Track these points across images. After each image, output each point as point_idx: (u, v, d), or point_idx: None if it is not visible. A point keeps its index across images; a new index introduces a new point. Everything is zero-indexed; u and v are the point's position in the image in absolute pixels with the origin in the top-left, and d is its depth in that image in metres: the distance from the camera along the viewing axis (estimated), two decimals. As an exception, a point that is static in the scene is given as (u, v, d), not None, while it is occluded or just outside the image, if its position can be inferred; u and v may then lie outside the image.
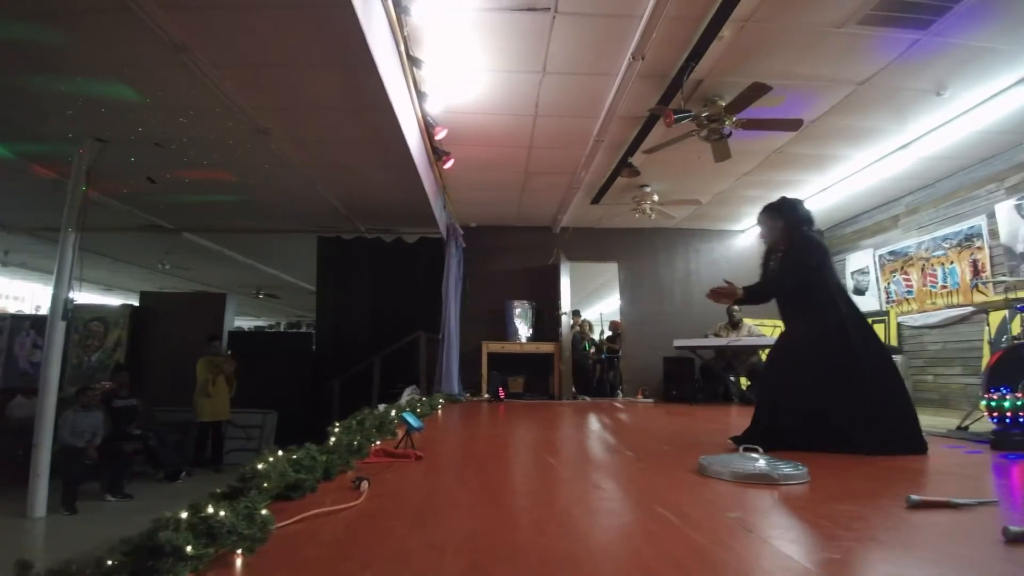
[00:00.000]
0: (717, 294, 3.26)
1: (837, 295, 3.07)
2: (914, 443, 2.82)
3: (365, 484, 1.93)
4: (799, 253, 3.10)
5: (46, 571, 1.04)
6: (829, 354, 2.94)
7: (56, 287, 4.74)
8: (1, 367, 8.39)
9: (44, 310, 11.79)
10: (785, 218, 3.22)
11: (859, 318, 3.10)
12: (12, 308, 12.74)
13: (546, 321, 7.84)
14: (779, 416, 3.00)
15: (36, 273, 11.64)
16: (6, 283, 12.95)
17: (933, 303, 6.41)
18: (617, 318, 9.07)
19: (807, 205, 3.35)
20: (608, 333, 9.62)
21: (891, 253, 7.07)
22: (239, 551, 1.25)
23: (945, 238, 6.20)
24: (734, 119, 4.34)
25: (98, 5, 3.13)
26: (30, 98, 4.24)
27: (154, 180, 5.96)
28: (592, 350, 9.27)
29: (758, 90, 3.88)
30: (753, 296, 3.28)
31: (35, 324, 8.57)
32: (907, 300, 6.83)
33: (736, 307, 6.97)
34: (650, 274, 8.46)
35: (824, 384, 2.90)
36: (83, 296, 5.46)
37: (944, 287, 6.24)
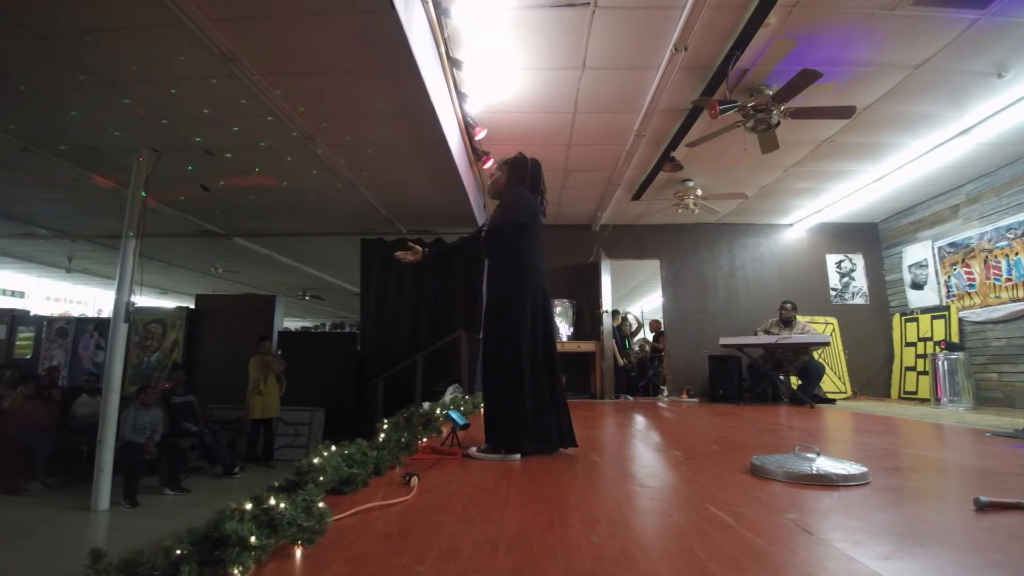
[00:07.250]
0: (402, 253, 2.98)
1: (524, 268, 2.77)
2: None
3: (415, 480, 1.95)
4: (509, 205, 2.87)
5: (119, 560, 1.09)
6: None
7: (118, 291, 4.96)
8: (67, 367, 8.88)
9: (105, 313, 12.46)
10: (507, 173, 2.99)
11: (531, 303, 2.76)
12: (75, 312, 13.45)
13: (587, 320, 7.78)
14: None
15: (97, 278, 12.24)
16: (70, 288, 13.69)
17: (997, 297, 6.09)
18: (658, 316, 8.93)
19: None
20: (652, 333, 9.49)
21: (951, 245, 6.74)
22: (299, 543, 1.28)
23: (1009, 228, 5.88)
24: (782, 108, 4.22)
25: (151, 20, 3.26)
26: (89, 111, 4.45)
27: (207, 188, 6.19)
28: (637, 348, 9.14)
29: (808, 77, 3.76)
30: (452, 249, 2.98)
31: (98, 326, 9.04)
32: (969, 294, 6.50)
33: (788, 304, 6.76)
34: (693, 271, 8.30)
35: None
36: (141, 299, 5.70)
37: (1009, 280, 5.92)
